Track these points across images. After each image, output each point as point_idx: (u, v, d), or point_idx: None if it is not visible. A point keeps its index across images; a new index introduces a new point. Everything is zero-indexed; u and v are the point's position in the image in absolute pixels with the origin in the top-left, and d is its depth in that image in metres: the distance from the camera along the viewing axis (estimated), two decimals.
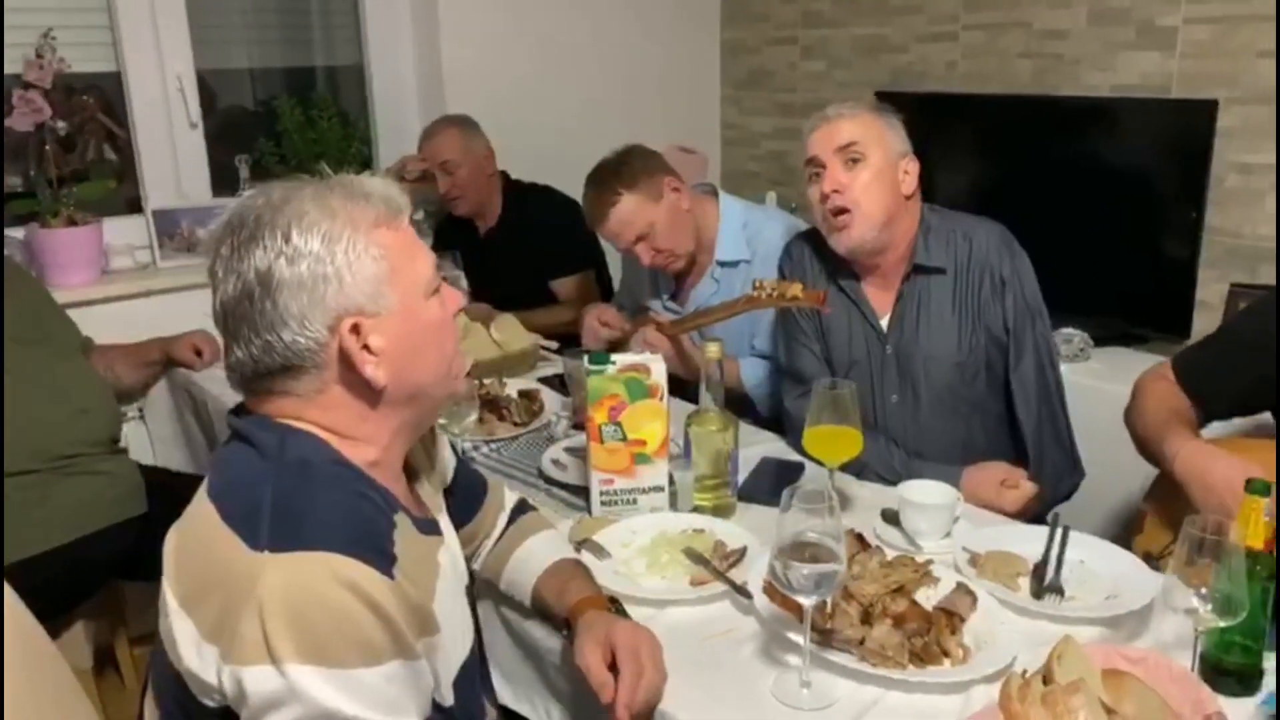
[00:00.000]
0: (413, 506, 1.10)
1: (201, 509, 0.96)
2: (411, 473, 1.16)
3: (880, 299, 1.85)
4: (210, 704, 0.92)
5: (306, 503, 0.93)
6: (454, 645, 1.07)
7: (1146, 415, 1.66)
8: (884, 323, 1.84)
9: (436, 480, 1.24)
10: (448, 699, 1.04)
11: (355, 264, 0.97)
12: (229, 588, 0.88)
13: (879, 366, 1.85)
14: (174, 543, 0.97)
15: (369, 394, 1.01)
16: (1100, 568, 1.42)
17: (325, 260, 0.95)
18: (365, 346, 0.98)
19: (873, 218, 1.75)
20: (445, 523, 1.18)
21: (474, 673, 1.13)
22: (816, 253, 1.89)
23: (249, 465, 0.97)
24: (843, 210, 1.75)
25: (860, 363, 1.86)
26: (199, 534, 0.95)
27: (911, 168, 1.79)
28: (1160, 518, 1.64)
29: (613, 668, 1.15)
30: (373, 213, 0.99)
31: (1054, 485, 1.77)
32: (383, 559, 0.92)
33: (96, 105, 2.66)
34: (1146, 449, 1.64)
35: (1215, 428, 1.72)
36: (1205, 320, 2.52)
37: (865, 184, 1.74)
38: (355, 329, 0.97)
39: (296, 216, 0.96)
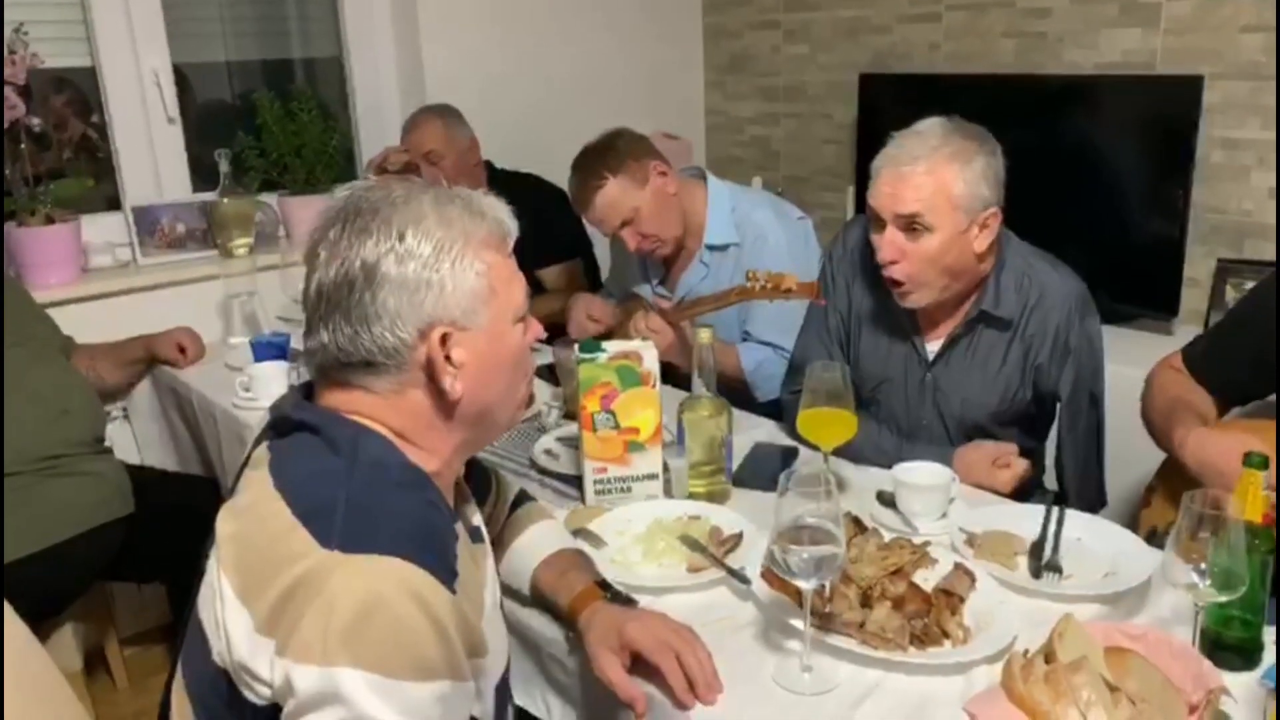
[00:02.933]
0: (461, 517, 1.10)
1: (267, 499, 0.94)
2: (457, 484, 1.15)
3: (932, 327, 1.74)
4: (257, 700, 0.90)
5: (380, 505, 0.92)
6: (496, 662, 1.07)
7: (1156, 405, 1.66)
8: (931, 350, 1.75)
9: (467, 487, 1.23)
10: (489, 715, 1.05)
11: (459, 276, 0.98)
12: (294, 581, 0.87)
13: (915, 390, 1.77)
14: (231, 530, 0.96)
15: (441, 404, 1.01)
16: (1097, 545, 1.42)
17: (432, 266, 0.97)
18: (448, 357, 0.99)
19: (932, 288, 1.63)
20: (485, 530, 1.18)
21: (508, 682, 1.13)
22: (864, 257, 1.73)
23: (321, 460, 0.96)
24: (898, 281, 1.63)
25: (895, 380, 1.79)
26: (265, 525, 0.93)
27: (992, 220, 1.60)
28: (1168, 494, 1.64)
29: (635, 668, 1.15)
30: (484, 231, 1.01)
31: None
32: (447, 571, 0.92)
33: (72, 103, 2.62)
34: (1158, 438, 1.64)
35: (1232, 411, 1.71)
36: (1193, 297, 2.53)
37: (927, 257, 1.58)
38: (444, 339, 0.98)
39: (415, 219, 0.97)
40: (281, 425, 1.03)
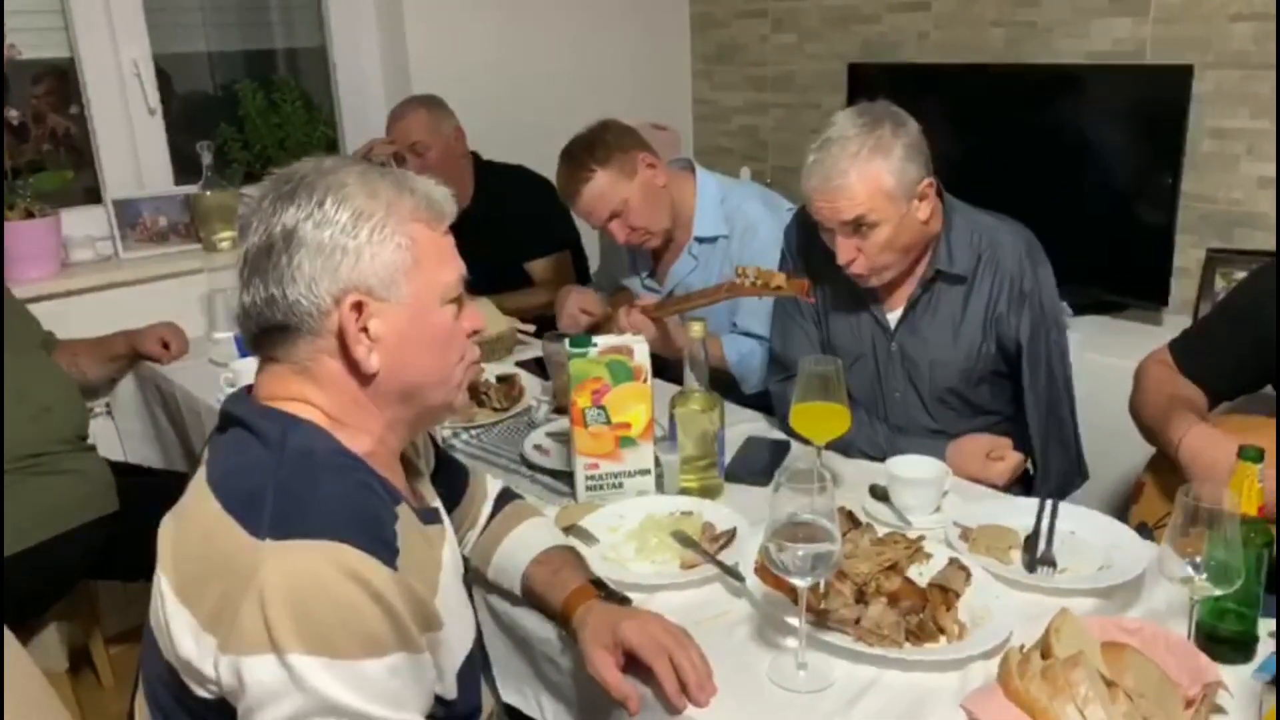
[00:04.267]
0: (411, 497, 1.09)
1: (200, 497, 0.95)
2: (408, 464, 1.15)
3: (891, 293, 1.78)
4: (206, 695, 0.90)
5: (309, 491, 0.92)
6: (457, 640, 1.07)
7: (1148, 402, 1.66)
8: (892, 318, 1.79)
9: (423, 465, 1.23)
10: (451, 692, 1.04)
11: (378, 246, 0.98)
12: (229, 576, 0.87)
13: (884, 361, 1.80)
14: (170, 532, 0.97)
15: (359, 377, 1.01)
16: (1091, 538, 1.42)
17: (349, 232, 0.97)
18: (365, 330, 0.99)
19: (894, 267, 1.69)
20: (444, 513, 1.17)
21: (476, 665, 1.13)
22: (819, 239, 1.76)
23: (250, 453, 0.97)
24: (862, 275, 1.69)
25: (866, 356, 1.81)
26: (198, 523, 0.94)
27: (928, 190, 1.65)
28: (1158, 488, 1.64)
29: (628, 666, 1.14)
30: (411, 204, 1.01)
31: (1057, 489, 1.72)
32: (386, 550, 0.92)
33: (50, 94, 2.58)
34: (1152, 436, 1.64)
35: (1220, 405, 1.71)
36: (1183, 286, 2.53)
37: (881, 245, 1.64)
38: (358, 306, 0.98)
39: (336, 186, 0.98)
40: (222, 422, 1.03)
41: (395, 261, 0.99)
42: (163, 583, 0.93)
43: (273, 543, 0.87)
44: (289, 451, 0.95)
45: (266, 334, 1.00)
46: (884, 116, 1.63)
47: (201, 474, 0.98)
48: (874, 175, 1.60)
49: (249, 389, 1.05)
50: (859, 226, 1.62)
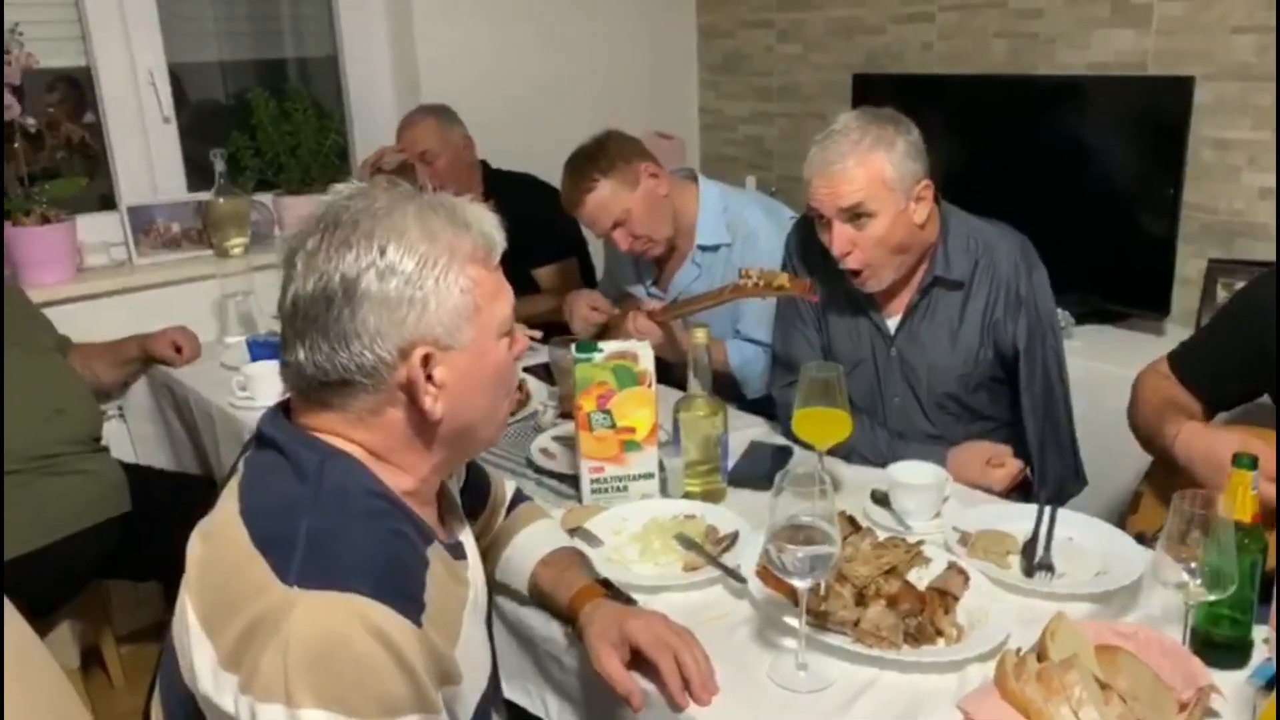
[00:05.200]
0: (440, 531, 1.08)
1: (231, 526, 0.93)
2: (442, 490, 1.12)
3: (890, 300, 1.80)
4: None
5: (342, 540, 0.90)
6: (473, 686, 1.05)
7: (1144, 409, 1.67)
8: (891, 324, 1.81)
9: (455, 485, 1.21)
10: None
11: (444, 294, 0.94)
12: (255, 618, 0.86)
13: (884, 366, 1.82)
14: (199, 553, 0.94)
15: (421, 425, 0.98)
16: (1089, 544, 1.44)
17: (415, 283, 0.93)
18: (429, 377, 0.96)
19: (890, 267, 1.71)
20: (469, 541, 1.16)
21: (489, 702, 1.11)
22: (820, 248, 1.77)
23: (285, 487, 0.94)
24: (856, 270, 1.70)
25: (865, 361, 1.83)
26: (227, 554, 0.92)
27: (926, 192, 1.68)
28: (1156, 499, 1.65)
29: (632, 665, 1.15)
30: (470, 244, 0.97)
31: (1054, 494, 1.72)
32: (412, 605, 0.90)
33: (64, 102, 2.61)
34: (1148, 442, 1.65)
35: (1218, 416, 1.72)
36: (1185, 297, 2.54)
37: (877, 239, 1.66)
38: (426, 359, 0.95)
39: (397, 232, 0.93)
40: (260, 439, 1.01)
41: (459, 307, 0.95)
42: (188, 607, 0.91)
43: (301, 591, 0.85)
44: (324, 490, 0.93)
45: (322, 388, 0.96)
46: (887, 117, 1.68)
47: (234, 498, 0.95)
48: (875, 163, 1.63)
49: (286, 407, 1.02)
50: (856, 216, 1.65)
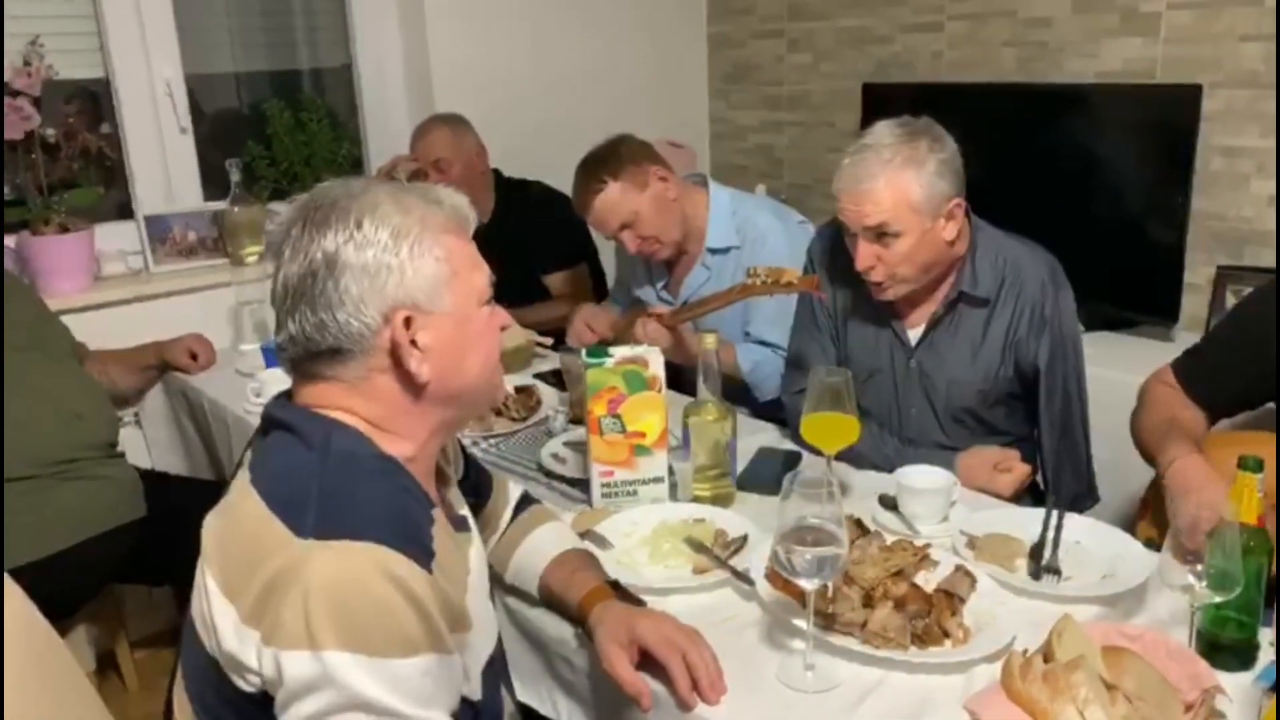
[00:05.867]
0: (442, 505, 1.12)
1: (244, 497, 0.98)
2: (439, 472, 1.17)
3: (913, 311, 1.79)
4: (247, 688, 0.93)
5: (352, 494, 0.95)
6: (483, 640, 1.09)
7: (1147, 424, 1.67)
8: (913, 335, 1.80)
9: (453, 472, 1.26)
10: (476, 693, 1.06)
11: (419, 260, 1.00)
12: (273, 573, 0.90)
13: (902, 377, 1.82)
14: (214, 529, 0.99)
15: (411, 388, 1.03)
16: (1096, 548, 1.44)
17: (391, 250, 0.99)
18: (413, 341, 1.01)
19: (913, 281, 1.70)
20: (471, 519, 1.20)
21: (498, 667, 1.15)
22: (843, 255, 1.76)
23: (294, 455, 0.99)
24: (879, 284, 1.70)
25: (883, 371, 1.83)
26: (243, 521, 0.97)
27: (957, 210, 1.66)
28: (1161, 508, 1.65)
29: (641, 665, 1.17)
30: (442, 217, 1.04)
31: (1068, 510, 1.71)
32: (423, 553, 0.95)
33: (82, 113, 2.65)
34: (1147, 455, 1.65)
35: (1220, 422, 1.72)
36: (1194, 304, 2.55)
37: (901, 256, 1.65)
38: (408, 322, 1.00)
39: (371, 207, 1.00)
40: (265, 425, 1.06)
41: (436, 273, 1.01)
42: (207, 579, 0.95)
43: (317, 543, 0.90)
44: (332, 454, 0.98)
45: (314, 359, 1.02)
46: (923, 131, 1.65)
47: (245, 474, 1.01)
48: (902, 185, 1.61)
49: (289, 394, 1.08)
50: (881, 234, 1.64)
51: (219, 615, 0.93)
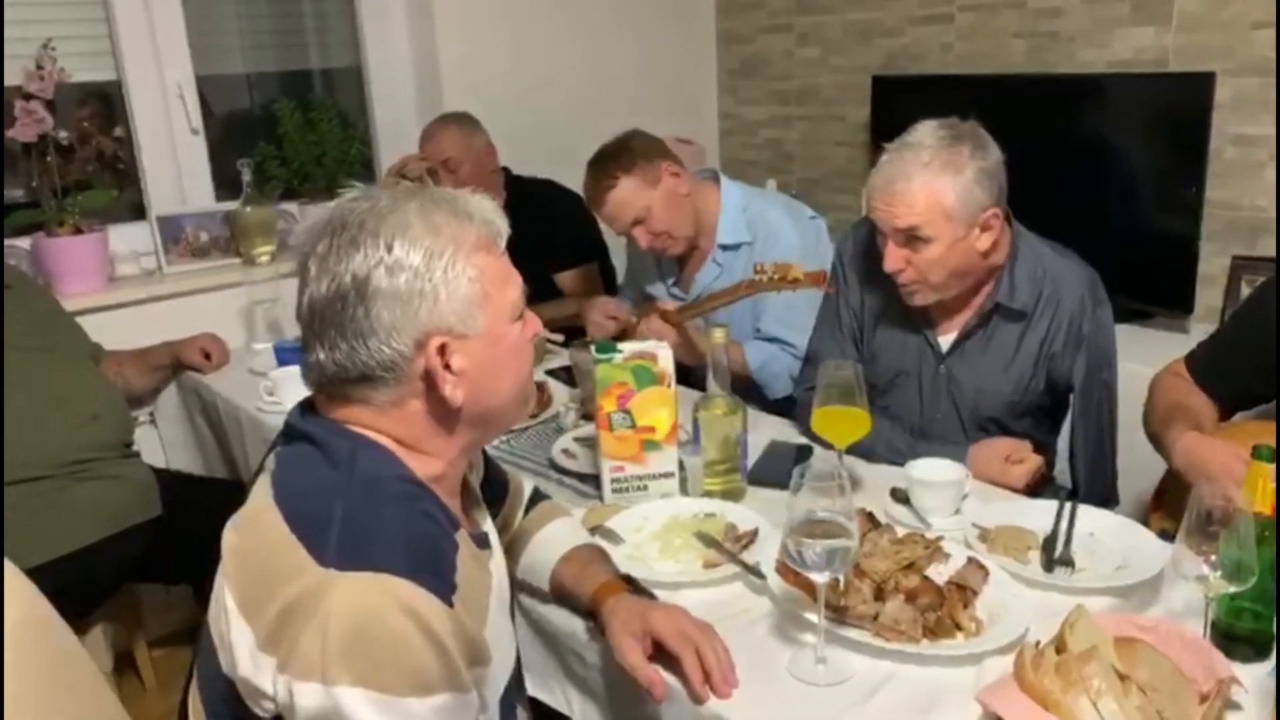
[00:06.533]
0: (467, 522, 1.10)
1: (265, 512, 0.95)
2: (464, 485, 1.15)
3: (948, 319, 1.77)
4: (261, 714, 0.92)
5: (376, 522, 0.93)
6: (501, 670, 1.07)
7: (1154, 414, 1.67)
8: (945, 342, 1.77)
9: (475, 478, 1.24)
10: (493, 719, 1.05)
11: (452, 284, 0.97)
12: (292, 599, 0.88)
13: (930, 381, 1.80)
14: (233, 542, 0.97)
15: (444, 412, 1.01)
16: (1109, 539, 1.44)
17: (424, 276, 0.95)
18: (447, 365, 0.98)
19: (943, 287, 1.67)
20: (493, 534, 1.18)
21: (514, 686, 1.14)
22: (874, 254, 1.73)
23: (318, 473, 0.97)
24: (907, 284, 1.68)
25: (909, 374, 1.81)
26: (263, 538, 0.94)
27: (994, 220, 1.62)
28: (1177, 497, 1.64)
29: (653, 658, 1.17)
30: (474, 234, 1.00)
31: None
32: (445, 586, 0.93)
33: (95, 115, 2.67)
34: (1156, 445, 1.64)
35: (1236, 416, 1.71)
36: (1209, 295, 2.53)
37: (932, 261, 1.62)
38: (442, 348, 0.97)
39: (401, 228, 0.96)
40: (288, 433, 1.04)
41: (469, 295, 0.98)
42: (226, 595, 0.94)
43: (337, 572, 0.88)
44: (356, 476, 0.95)
45: (343, 383, 0.99)
46: (966, 136, 1.61)
47: (266, 487, 0.98)
48: (937, 190, 1.58)
49: (310, 403, 1.05)
50: (912, 238, 1.62)
51: (236, 636, 0.92)
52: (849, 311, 1.87)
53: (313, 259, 0.98)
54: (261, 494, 0.98)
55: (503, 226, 1.04)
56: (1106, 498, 1.79)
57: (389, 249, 0.95)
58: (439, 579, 0.92)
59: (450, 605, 0.92)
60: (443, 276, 0.96)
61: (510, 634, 1.16)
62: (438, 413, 1.01)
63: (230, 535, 0.98)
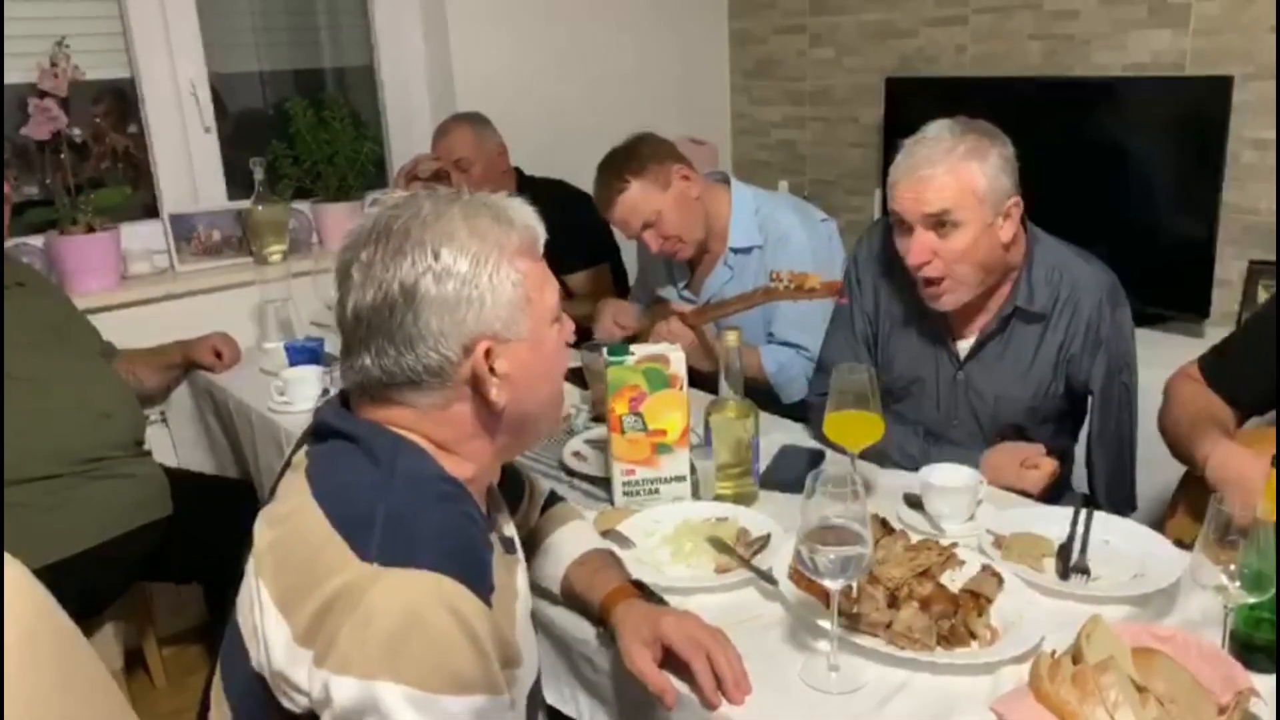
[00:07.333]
0: (493, 526, 1.11)
1: (305, 509, 0.95)
2: (490, 490, 1.16)
3: (966, 324, 1.75)
4: (294, 708, 0.92)
5: (419, 520, 0.93)
6: (529, 673, 1.08)
7: (1177, 419, 1.65)
8: (963, 347, 1.76)
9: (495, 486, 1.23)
10: None
11: (498, 289, 0.98)
12: (333, 593, 0.88)
13: (948, 388, 1.78)
14: (270, 538, 0.97)
15: (487, 415, 1.03)
16: (1126, 547, 1.42)
17: (471, 282, 0.97)
18: (492, 369, 1.00)
19: (969, 284, 1.64)
20: (516, 538, 1.19)
21: (536, 688, 1.14)
22: (891, 258, 1.73)
23: (360, 472, 0.98)
24: (933, 280, 1.64)
25: (926, 381, 1.79)
26: (304, 535, 0.94)
27: (1015, 210, 1.62)
28: (1192, 506, 1.63)
29: (663, 665, 1.16)
30: (517, 240, 1.02)
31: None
32: (484, 586, 0.93)
33: (109, 114, 2.68)
34: (1179, 452, 1.62)
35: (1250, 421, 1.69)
36: (1225, 299, 2.51)
37: (960, 251, 1.59)
38: (488, 353, 0.99)
39: (447, 235, 0.97)
40: (321, 431, 1.04)
41: (513, 299, 0.99)
42: (261, 591, 0.94)
43: (380, 568, 0.88)
44: (399, 475, 0.96)
45: (386, 387, 1.00)
46: (983, 128, 1.63)
47: (301, 482, 0.98)
48: (967, 173, 1.57)
49: (344, 399, 1.06)
50: (941, 224, 1.59)
51: (272, 629, 0.92)
52: (863, 317, 1.86)
53: (356, 266, 0.98)
54: (297, 490, 0.98)
55: (541, 231, 1.06)
56: (1126, 502, 1.77)
57: (436, 256, 0.96)
58: (479, 579, 0.93)
59: (489, 605, 0.92)
60: (488, 282, 0.98)
61: (534, 642, 1.16)
62: (481, 416, 1.02)
63: (265, 531, 0.98)
